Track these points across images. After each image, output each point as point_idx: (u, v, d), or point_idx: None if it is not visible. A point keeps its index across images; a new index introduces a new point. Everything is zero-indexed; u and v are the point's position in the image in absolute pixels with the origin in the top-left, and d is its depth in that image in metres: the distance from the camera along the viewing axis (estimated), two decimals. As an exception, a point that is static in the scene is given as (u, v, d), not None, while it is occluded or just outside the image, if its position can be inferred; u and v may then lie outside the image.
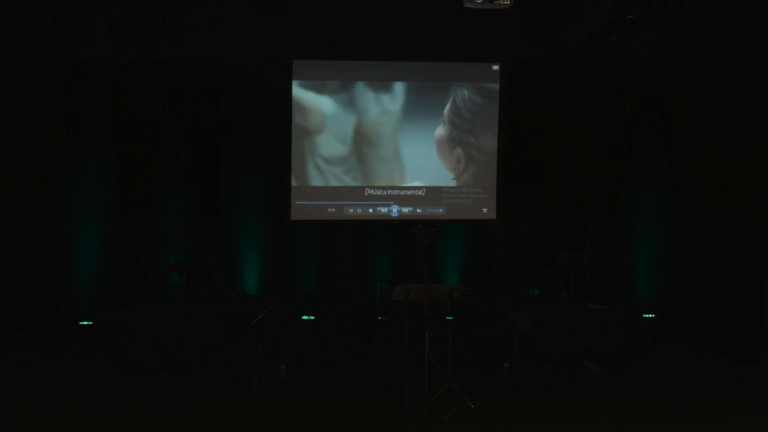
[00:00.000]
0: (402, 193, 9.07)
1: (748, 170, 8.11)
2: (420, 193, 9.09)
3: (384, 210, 9.06)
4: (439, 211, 9.11)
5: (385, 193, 9.05)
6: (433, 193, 9.10)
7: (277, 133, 8.87)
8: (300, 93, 8.84)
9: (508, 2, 6.33)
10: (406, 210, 9.07)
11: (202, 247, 8.91)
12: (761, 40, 7.67)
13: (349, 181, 8.97)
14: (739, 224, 8.16)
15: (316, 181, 8.93)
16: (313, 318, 8.42)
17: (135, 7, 7.46)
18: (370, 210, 9.06)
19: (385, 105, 8.94)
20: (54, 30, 7.53)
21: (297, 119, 8.86)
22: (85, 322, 8.45)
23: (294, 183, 8.90)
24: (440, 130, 9.03)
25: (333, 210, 9.01)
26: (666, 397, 6.69)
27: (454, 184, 9.08)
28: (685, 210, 9.06)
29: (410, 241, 6.69)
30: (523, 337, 7.22)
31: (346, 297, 8.80)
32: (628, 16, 7.77)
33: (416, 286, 6.27)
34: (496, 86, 9.05)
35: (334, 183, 8.96)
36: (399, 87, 8.94)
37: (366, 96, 8.92)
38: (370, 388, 6.85)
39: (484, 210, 9.18)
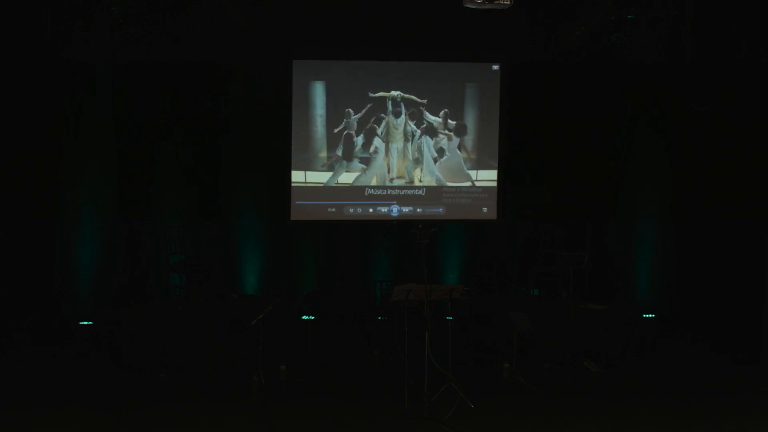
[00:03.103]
0: (402, 192, 9.06)
1: (748, 170, 8.11)
2: (420, 192, 9.08)
3: (384, 210, 9.06)
4: (439, 211, 9.11)
5: (385, 192, 9.04)
6: (433, 192, 9.10)
7: (277, 133, 8.87)
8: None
9: (508, 2, 6.33)
10: (406, 210, 9.07)
11: (202, 247, 8.91)
12: (761, 40, 7.67)
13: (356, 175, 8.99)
14: (739, 224, 8.16)
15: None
16: (313, 318, 8.41)
17: (135, 7, 7.46)
18: (370, 210, 9.05)
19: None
20: (54, 30, 7.52)
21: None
22: (85, 322, 8.45)
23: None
24: (440, 130, 9.03)
25: (333, 210, 9.00)
26: (666, 397, 6.69)
27: (453, 183, 9.09)
28: (685, 210, 9.06)
29: (410, 241, 6.68)
30: (523, 337, 7.23)
31: (346, 297, 8.80)
32: (628, 16, 7.77)
33: (416, 286, 6.26)
34: (497, 86, 9.04)
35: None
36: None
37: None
38: (370, 388, 6.85)
39: (484, 210, 9.18)
